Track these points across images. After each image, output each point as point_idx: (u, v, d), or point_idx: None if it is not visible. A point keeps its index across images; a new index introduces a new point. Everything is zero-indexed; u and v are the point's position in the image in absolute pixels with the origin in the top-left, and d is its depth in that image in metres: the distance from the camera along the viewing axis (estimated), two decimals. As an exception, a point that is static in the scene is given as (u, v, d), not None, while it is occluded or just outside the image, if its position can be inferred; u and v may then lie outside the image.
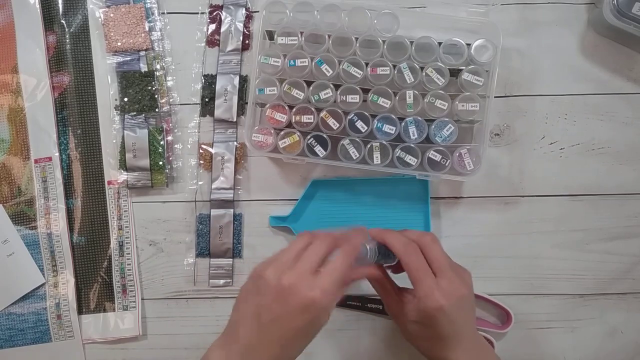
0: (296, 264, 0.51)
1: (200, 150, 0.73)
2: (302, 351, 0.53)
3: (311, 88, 0.66)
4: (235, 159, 0.72)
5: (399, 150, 0.66)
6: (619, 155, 0.73)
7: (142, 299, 0.73)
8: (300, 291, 0.49)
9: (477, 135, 0.69)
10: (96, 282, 0.72)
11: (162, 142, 0.72)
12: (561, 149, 0.73)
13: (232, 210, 0.72)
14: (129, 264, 0.72)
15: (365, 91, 0.66)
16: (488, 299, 0.71)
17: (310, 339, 0.53)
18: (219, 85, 0.72)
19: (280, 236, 0.73)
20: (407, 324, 0.58)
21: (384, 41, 0.66)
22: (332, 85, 0.66)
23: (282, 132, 0.67)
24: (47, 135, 0.72)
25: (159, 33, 0.73)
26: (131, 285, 0.72)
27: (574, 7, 0.73)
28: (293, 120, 0.67)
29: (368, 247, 0.58)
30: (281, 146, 0.67)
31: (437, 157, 0.66)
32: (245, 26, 0.73)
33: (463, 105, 0.66)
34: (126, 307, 0.72)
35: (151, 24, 0.73)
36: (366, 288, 0.72)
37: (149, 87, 0.72)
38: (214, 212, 0.72)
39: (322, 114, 0.66)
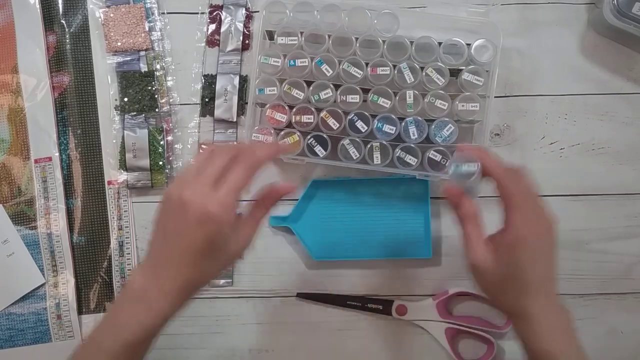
0: (196, 178, 0.50)
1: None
2: (210, 274, 0.54)
3: (311, 88, 0.66)
4: (235, 159, 0.72)
5: (399, 150, 0.66)
6: (619, 155, 0.73)
7: (142, 299, 0.73)
8: (196, 204, 0.49)
9: (477, 135, 0.69)
10: (96, 282, 0.72)
11: (162, 142, 0.72)
12: (561, 149, 0.73)
13: (232, 210, 0.72)
14: (129, 264, 0.72)
15: (365, 91, 0.66)
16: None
17: (218, 262, 0.53)
18: (219, 85, 0.72)
19: (280, 236, 0.73)
20: (490, 269, 0.53)
21: (384, 41, 0.66)
22: (332, 85, 0.66)
23: (282, 132, 0.67)
24: (47, 135, 0.72)
25: (159, 33, 0.73)
26: (131, 285, 0.72)
27: (574, 7, 0.73)
28: (293, 120, 0.67)
29: (474, 166, 0.56)
30: (281, 146, 0.67)
31: (437, 157, 0.66)
32: (245, 26, 0.73)
33: (463, 105, 0.66)
34: (126, 307, 0.72)
35: (151, 24, 0.73)
36: (366, 287, 0.72)
37: (149, 87, 0.72)
38: (214, 212, 0.72)
39: (322, 114, 0.66)
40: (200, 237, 0.50)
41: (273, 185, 0.56)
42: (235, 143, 0.53)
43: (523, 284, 0.53)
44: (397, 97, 0.66)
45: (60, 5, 0.73)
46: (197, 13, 0.73)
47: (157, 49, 0.73)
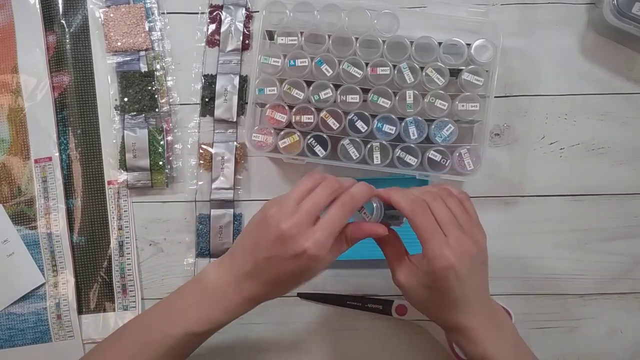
0: (297, 210, 0.52)
1: (200, 150, 0.73)
2: (288, 291, 0.57)
3: (311, 88, 0.66)
4: (235, 159, 0.72)
5: (399, 150, 0.66)
6: (619, 155, 0.73)
7: (142, 299, 0.73)
8: (294, 240, 0.51)
9: (477, 135, 0.69)
10: (96, 282, 0.72)
11: (162, 142, 0.72)
12: (561, 149, 0.73)
13: (232, 210, 0.72)
14: (129, 264, 0.72)
15: (365, 91, 0.66)
16: (488, 299, 0.71)
17: (299, 284, 0.56)
18: (219, 85, 0.72)
19: (280, 236, 0.73)
20: (416, 290, 0.56)
21: (384, 41, 0.66)
22: (332, 85, 0.66)
23: (282, 132, 0.67)
24: (47, 135, 0.72)
25: (159, 33, 0.73)
26: (131, 285, 0.72)
27: (574, 7, 0.73)
28: (293, 120, 0.67)
29: (374, 205, 0.56)
30: (281, 146, 0.67)
31: (437, 157, 0.66)
32: (245, 26, 0.73)
33: (463, 105, 0.66)
34: (126, 307, 0.72)
35: (151, 24, 0.73)
36: (366, 288, 0.72)
37: (149, 87, 0.72)
38: (214, 212, 0.72)
39: (322, 114, 0.66)
40: (293, 270, 0.53)
41: (366, 224, 0.57)
42: (335, 178, 0.55)
43: (451, 302, 0.55)
44: (397, 97, 0.66)
45: (60, 5, 0.73)
46: (197, 13, 0.73)
47: (157, 49, 0.73)
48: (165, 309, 0.58)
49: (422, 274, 0.55)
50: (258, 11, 0.72)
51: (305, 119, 0.66)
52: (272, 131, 0.68)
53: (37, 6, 0.72)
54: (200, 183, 0.73)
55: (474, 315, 0.55)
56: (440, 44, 0.66)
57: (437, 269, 0.52)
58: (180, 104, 0.74)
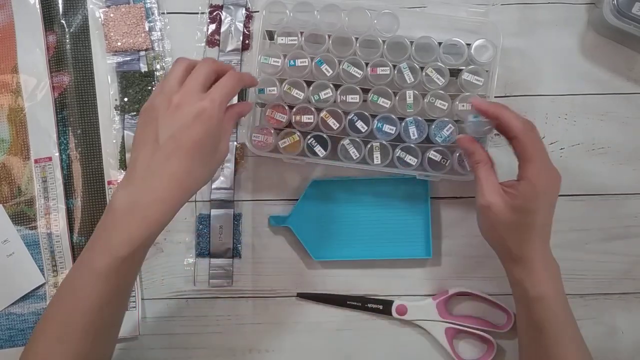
0: (182, 85, 0.53)
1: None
2: (204, 177, 0.55)
3: (311, 88, 0.66)
4: (235, 159, 0.72)
5: (399, 150, 0.66)
6: (619, 155, 0.73)
7: (142, 299, 0.73)
8: (190, 103, 0.52)
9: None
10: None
11: (162, 142, 0.72)
12: (561, 149, 0.73)
13: (232, 210, 0.72)
14: (129, 264, 0.72)
15: (365, 91, 0.66)
16: (488, 299, 0.71)
17: (210, 159, 0.54)
18: (219, 85, 0.72)
19: (280, 236, 0.73)
20: (501, 212, 0.57)
21: (384, 41, 0.66)
22: (332, 85, 0.66)
23: (282, 132, 0.67)
24: (47, 135, 0.72)
25: (159, 33, 0.73)
26: (131, 285, 0.72)
27: (574, 7, 0.73)
28: (293, 120, 0.67)
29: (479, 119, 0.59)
30: (281, 146, 0.67)
31: (437, 157, 0.66)
32: (245, 26, 0.73)
33: (463, 106, 0.66)
34: (126, 307, 0.72)
35: (151, 24, 0.73)
36: (366, 288, 0.72)
37: (149, 87, 0.72)
38: (214, 212, 0.72)
39: (322, 114, 0.66)
40: (199, 130, 0.52)
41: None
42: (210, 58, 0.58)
43: (529, 229, 0.57)
44: (397, 97, 0.66)
45: (60, 5, 0.73)
46: (197, 13, 0.74)
47: (157, 49, 0.73)
48: (90, 244, 0.54)
49: (514, 195, 0.57)
50: (258, 11, 0.72)
51: (305, 119, 0.66)
52: (272, 131, 0.68)
53: (37, 6, 0.72)
54: (200, 183, 0.73)
55: (543, 250, 0.58)
56: (440, 44, 0.66)
57: (537, 187, 0.55)
58: (180, 104, 0.73)
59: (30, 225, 0.72)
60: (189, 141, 0.52)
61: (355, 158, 0.66)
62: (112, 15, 0.72)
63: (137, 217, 0.52)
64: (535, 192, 0.56)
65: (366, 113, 0.66)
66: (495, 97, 0.69)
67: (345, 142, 0.66)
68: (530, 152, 0.56)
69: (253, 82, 0.61)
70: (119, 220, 0.52)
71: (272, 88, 0.67)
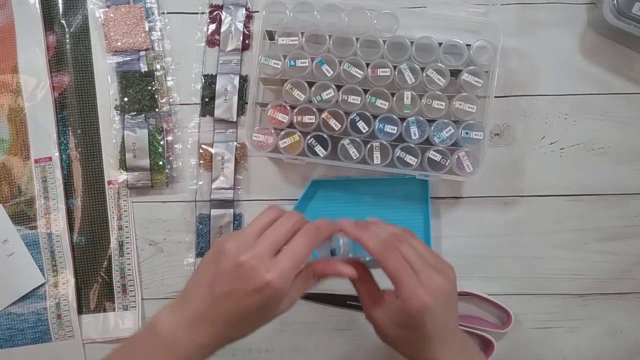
0: (257, 242, 0.50)
1: (200, 150, 0.73)
2: (252, 332, 0.53)
3: (313, 89, 0.66)
4: (235, 159, 0.72)
5: (399, 150, 0.66)
6: (619, 155, 0.73)
7: (142, 298, 0.73)
8: (256, 272, 0.48)
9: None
10: (96, 282, 0.72)
11: (162, 142, 0.72)
12: (561, 149, 0.73)
13: (232, 210, 0.72)
14: (129, 264, 0.73)
15: (367, 92, 0.66)
16: (488, 299, 0.71)
17: (263, 322, 0.53)
18: (219, 85, 0.72)
19: (280, 236, 0.73)
20: (390, 328, 0.55)
21: (384, 41, 0.66)
22: (334, 86, 0.66)
23: (282, 132, 0.67)
24: (47, 135, 0.72)
25: (159, 33, 0.73)
26: (131, 285, 0.72)
27: (574, 7, 0.73)
28: (295, 121, 0.67)
29: (341, 241, 0.54)
30: (281, 146, 0.67)
31: (437, 157, 0.66)
32: (246, 26, 0.73)
33: (460, 104, 0.66)
34: (126, 307, 0.72)
35: (151, 24, 0.73)
36: (366, 288, 0.73)
37: (149, 87, 0.72)
38: (214, 212, 0.72)
39: (324, 115, 0.66)
40: (254, 304, 0.49)
41: (335, 263, 0.55)
42: (296, 212, 0.54)
43: (424, 339, 0.53)
44: (395, 98, 0.66)
45: (60, 5, 0.73)
46: (197, 13, 0.73)
47: (157, 49, 0.73)
48: (118, 356, 0.54)
49: (395, 312, 0.54)
50: (258, 11, 0.72)
51: (306, 119, 0.66)
52: (273, 131, 0.67)
53: (37, 6, 0.72)
54: (200, 183, 0.73)
55: (448, 350, 0.54)
56: (440, 44, 0.66)
57: (413, 309, 0.51)
58: (180, 104, 0.74)
59: (30, 225, 0.72)
60: (243, 308, 0.50)
61: (355, 158, 0.66)
62: (112, 15, 0.72)
63: (172, 354, 0.50)
64: (411, 313, 0.51)
65: (367, 113, 0.66)
66: (495, 97, 0.69)
67: (346, 142, 0.66)
68: (392, 274, 0.51)
69: (332, 232, 0.55)
70: (154, 347, 0.51)
71: (277, 62, 0.67)
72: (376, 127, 0.66)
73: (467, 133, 0.65)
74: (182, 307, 0.52)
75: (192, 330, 0.51)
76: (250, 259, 0.49)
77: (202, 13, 0.73)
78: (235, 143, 0.72)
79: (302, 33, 0.67)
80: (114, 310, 0.72)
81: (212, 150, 0.72)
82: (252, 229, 0.51)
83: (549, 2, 0.73)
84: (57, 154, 0.72)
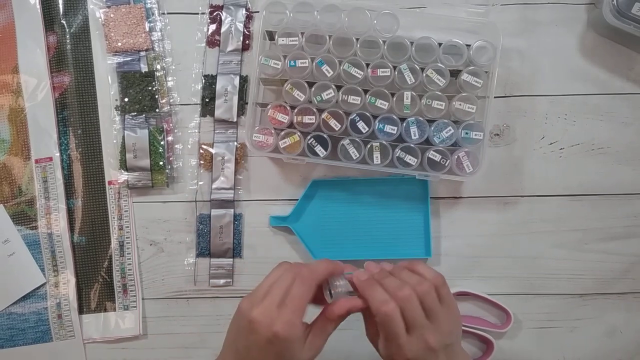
0: (264, 298, 0.53)
1: (201, 151, 0.73)
2: None
3: (313, 89, 0.66)
4: (236, 159, 0.72)
5: (399, 151, 0.66)
6: (619, 155, 0.73)
7: (143, 298, 0.73)
8: (264, 324, 0.52)
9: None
10: (97, 282, 0.73)
11: (162, 143, 0.72)
12: (561, 149, 0.73)
13: (232, 210, 0.72)
14: (130, 264, 0.73)
15: (367, 92, 0.66)
16: (488, 299, 0.71)
17: None
18: (219, 86, 0.72)
19: (280, 236, 0.73)
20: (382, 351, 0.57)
21: (384, 41, 0.66)
22: (334, 86, 0.66)
23: (282, 132, 0.67)
24: (48, 136, 0.72)
25: (159, 33, 0.73)
26: (132, 285, 0.73)
27: (574, 7, 0.73)
28: (295, 121, 0.67)
29: (340, 283, 0.56)
30: (282, 146, 0.67)
31: (437, 157, 0.66)
32: (246, 26, 0.73)
33: (460, 105, 0.66)
34: (127, 307, 0.73)
35: (151, 25, 0.73)
36: (366, 288, 0.73)
37: (150, 88, 0.72)
38: (214, 212, 0.72)
39: (324, 115, 0.66)
40: (270, 355, 0.52)
41: (348, 303, 0.57)
42: (302, 263, 0.57)
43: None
44: (395, 98, 0.66)
45: (61, 6, 0.73)
46: (198, 13, 0.74)
47: (157, 49, 0.73)
48: None
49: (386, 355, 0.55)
50: (258, 11, 0.72)
51: (307, 119, 0.66)
52: (273, 131, 0.68)
53: (38, 6, 0.72)
54: (200, 183, 0.73)
55: None
56: (440, 44, 0.66)
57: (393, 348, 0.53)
58: (181, 104, 0.74)
59: (31, 225, 0.72)
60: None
61: (355, 158, 0.66)
62: (112, 15, 0.72)
63: None
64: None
65: (367, 114, 0.66)
66: (495, 97, 0.69)
67: (345, 142, 0.66)
68: (384, 333, 0.54)
69: (329, 270, 0.56)
70: None
71: (277, 62, 0.67)
72: (376, 127, 0.66)
73: (467, 133, 0.65)
74: None
75: None
76: (258, 315, 0.52)
77: (203, 13, 0.73)
78: (235, 143, 0.72)
79: (302, 33, 0.67)
80: (114, 310, 0.73)
81: (213, 151, 0.72)
82: (263, 287, 0.54)
83: (549, 2, 0.73)
84: (58, 154, 0.72)
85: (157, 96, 0.72)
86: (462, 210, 0.72)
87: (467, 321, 0.71)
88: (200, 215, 0.73)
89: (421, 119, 0.66)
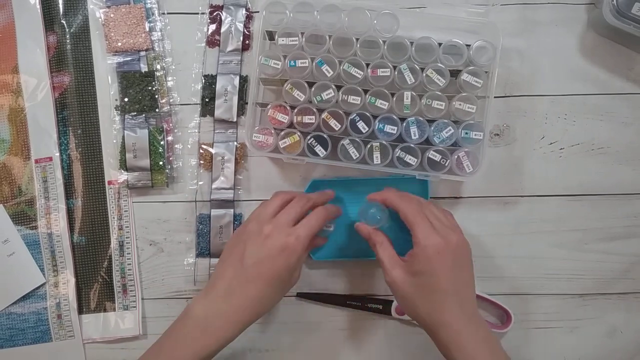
0: (275, 217, 0.60)
1: (201, 151, 0.73)
2: (274, 303, 0.61)
3: (313, 89, 0.66)
4: (236, 159, 0.72)
5: (399, 150, 0.66)
6: (619, 155, 0.73)
7: (143, 298, 0.73)
8: (279, 237, 0.58)
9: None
10: (96, 282, 0.72)
11: (162, 142, 0.72)
12: (561, 149, 0.73)
13: (232, 210, 0.72)
14: (129, 264, 0.73)
15: (367, 92, 0.66)
16: (488, 299, 0.71)
17: (284, 288, 0.60)
18: (219, 86, 0.72)
19: (281, 236, 0.73)
20: (407, 284, 0.58)
21: (384, 41, 0.66)
22: (334, 86, 0.66)
23: (282, 132, 0.67)
24: (48, 136, 0.72)
25: (159, 33, 0.73)
26: (131, 285, 0.73)
27: (574, 7, 0.73)
28: (295, 121, 0.67)
29: (381, 209, 0.63)
30: (281, 146, 0.67)
31: (437, 157, 0.66)
32: (246, 26, 0.73)
33: (460, 105, 0.66)
34: (126, 307, 0.73)
35: (151, 24, 0.73)
36: (366, 287, 0.73)
37: (150, 88, 0.72)
38: (214, 212, 0.72)
39: (324, 115, 0.66)
40: (281, 264, 0.58)
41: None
42: (303, 195, 0.65)
43: (435, 292, 0.56)
44: (395, 98, 0.66)
45: (61, 6, 0.73)
46: (197, 13, 0.74)
47: (157, 49, 0.73)
48: (160, 347, 0.59)
49: (411, 263, 0.58)
50: (258, 11, 0.72)
51: (306, 119, 0.66)
52: (273, 131, 0.68)
53: (38, 6, 0.72)
54: (200, 183, 0.73)
55: (464, 315, 0.56)
56: (440, 44, 0.66)
57: (427, 250, 0.56)
58: (181, 104, 0.74)
59: (31, 225, 0.72)
60: (271, 271, 0.58)
61: (355, 158, 0.66)
62: (112, 15, 0.72)
63: (207, 334, 0.57)
64: (426, 254, 0.56)
65: (367, 114, 0.66)
66: (495, 97, 0.69)
67: (345, 142, 0.66)
68: (409, 218, 0.58)
69: (338, 214, 0.66)
70: (190, 334, 0.58)
71: (277, 62, 0.67)
72: (376, 127, 0.66)
73: (467, 133, 0.65)
74: (213, 288, 0.59)
75: (224, 306, 0.58)
76: (273, 229, 0.59)
77: (202, 13, 0.73)
78: (235, 143, 0.72)
79: (302, 33, 0.67)
80: (114, 310, 0.73)
81: (213, 151, 0.72)
82: (268, 211, 0.61)
83: (549, 2, 0.73)
84: (58, 154, 0.72)
85: (157, 96, 0.72)
86: (462, 210, 0.72)
87: (467, 321, 0.71)
88: (200, 215, 0.73)
89: (421, 119, 0.66)
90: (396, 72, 0.66)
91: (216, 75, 0.72)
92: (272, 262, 0.58)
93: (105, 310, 0.73)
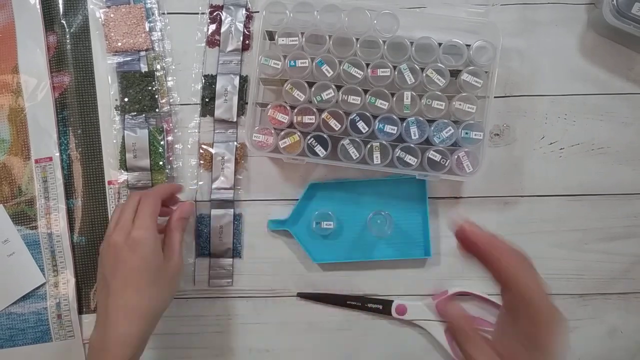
0: (115, 226, 0.60)
1: (201, 151, 0.73)
2: (161, 300, 0.60)
3: (313, 89, 0.66)
4: (236, 159, 0.72)
5: (399, 150, 0.66)
6: (619, 155, 0.73)
7: (143, 298, 0.73)
8: (122, 238, 0.58)
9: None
10: (96, 282, 0.72)
11: (162, 142, 0.72)
12: (561, 149, 0.73)
13: (232, 210, 0.72)
14: (130, 264, 0.73)
15: (367, 92, 0.66)
16: (488, 299, 0.71)
17: (160, 281, 0.59)
18: (219, 86, 0.72)
19: (281, 236, 0.73)
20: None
21: (384, 41, 0.66)
22: (334, 86, 0.66)
23: (282, 132, 0.67)
24: (48, 136, 0.72)
25: (159, 33, 0.73)
26: (131, 285, 0.72)
27: (574, 7, 0.73)
28: (295, 121, 0.67)
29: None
30: (281, 146, 0.67)
31: (437, 157, 0.66)
32: (246, 26, 0.73)
33: (460, 105, 0.66)
34: (126, 307, 0.72)
35: (151, 24, 0.73)
36: (366, 288, 0.73)
37: (150, 88, 0.72)
38: (214, 212, 0.72)
39: (324, 115, 0.66)
40: (134, 259, 0.57)
41: (178, 208, 0.66)
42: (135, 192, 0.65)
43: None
44: (395, 98, 0.66)
45: (61, 6, 0.73)
46: (197, 13, 0.74)
47: (157, 49, 0.73)
48: None
49: (516, 335, 0.46)
50: (258, 11, 0.72)
51: (306, 119, 0.66)
52: (273, 131, 0.68)
53: (38, 6, 0.72)
54: (200, 183, 0.73)
55: None
56: (440, 44, 0.66)
57: (548, 318, 0.46)
58: (181, 104, 0.74)
59: (31, 225, 0.72)
60: (130, 271, 0.58)
61: (355, 158, 0.66)
62: (112, 15, 0.72)
63: (108, 357, 0.56)
64: (545, 321, 0.46)
65: (367, 114, 0.66)
66: (495, 97, 0.69)
67: (345, 142, 0.66)
68: (530, 294, 0.46)
69: (172, 190, 0.67)
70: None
71: (277, 62, 0.67)
72: (376, 127, 0.66)
73: (467, 133, 0.65)
74: (97, 318, 0.59)
75: (109, 330, 0.56)
76: (117, 236, 0.59)
77: (202, 13, 0.73)
78: (235, 143, 0.72)
79: (302, 33, 0.67)
80: (114, 310, 0.72)
81: (212, 151, 0.72)
82: (112, 221, 0.61)
83: (549, 2, 0.73)
84: (58, 154, 0.72)
85: (157, 96, 0.72)
86: (462, 210, 0.72)
87: (467, 321, 0.71)
88: (200, 216, 0.73)
89: (421, 119, 0.66)
90: (396, 72, 0.66)
91: (216, 75, 0.72)
92: (126, 263, 0.58)
93: (105, 310, 0.72)
